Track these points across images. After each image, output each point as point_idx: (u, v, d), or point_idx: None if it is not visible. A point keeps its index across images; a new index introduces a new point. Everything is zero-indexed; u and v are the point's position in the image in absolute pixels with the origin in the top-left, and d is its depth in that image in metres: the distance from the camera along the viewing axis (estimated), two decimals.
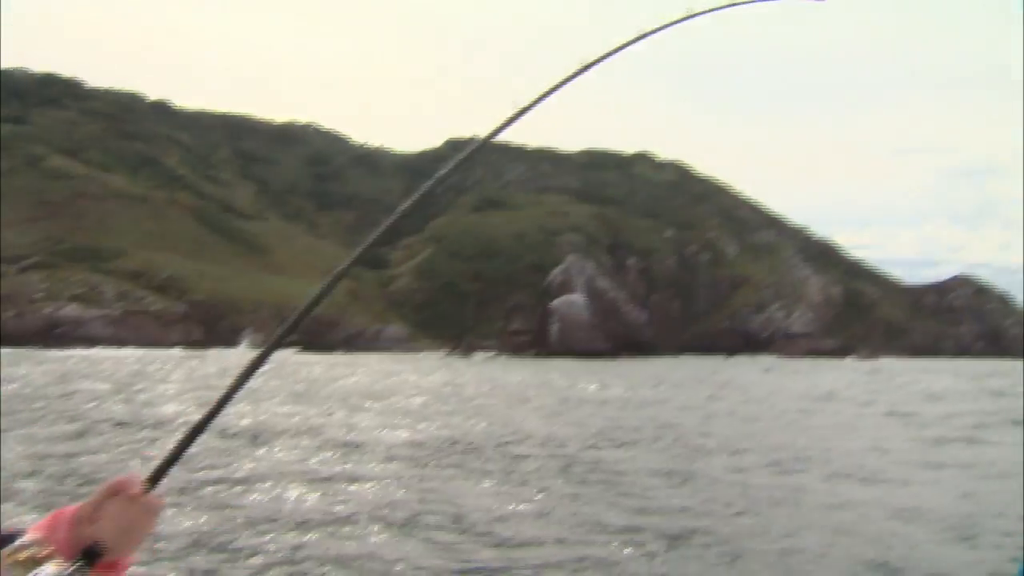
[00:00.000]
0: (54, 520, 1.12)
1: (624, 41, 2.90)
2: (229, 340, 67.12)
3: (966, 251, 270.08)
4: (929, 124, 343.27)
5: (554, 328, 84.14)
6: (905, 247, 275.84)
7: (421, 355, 72.94)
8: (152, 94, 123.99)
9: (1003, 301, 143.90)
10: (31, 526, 1.10)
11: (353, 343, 76.45)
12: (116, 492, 1.12)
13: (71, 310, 60.25)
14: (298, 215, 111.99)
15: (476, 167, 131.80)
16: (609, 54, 2.61)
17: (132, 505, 1.11)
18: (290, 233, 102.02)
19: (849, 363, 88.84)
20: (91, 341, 55.84)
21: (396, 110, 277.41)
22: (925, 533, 9.80)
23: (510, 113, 2.03)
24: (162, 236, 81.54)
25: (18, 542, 1.07)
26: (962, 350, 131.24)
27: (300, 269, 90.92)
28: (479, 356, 76.14)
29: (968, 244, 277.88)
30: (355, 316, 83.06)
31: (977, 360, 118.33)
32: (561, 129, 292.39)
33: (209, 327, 68.23)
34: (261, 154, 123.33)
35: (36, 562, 1.04)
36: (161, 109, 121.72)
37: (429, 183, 2.23)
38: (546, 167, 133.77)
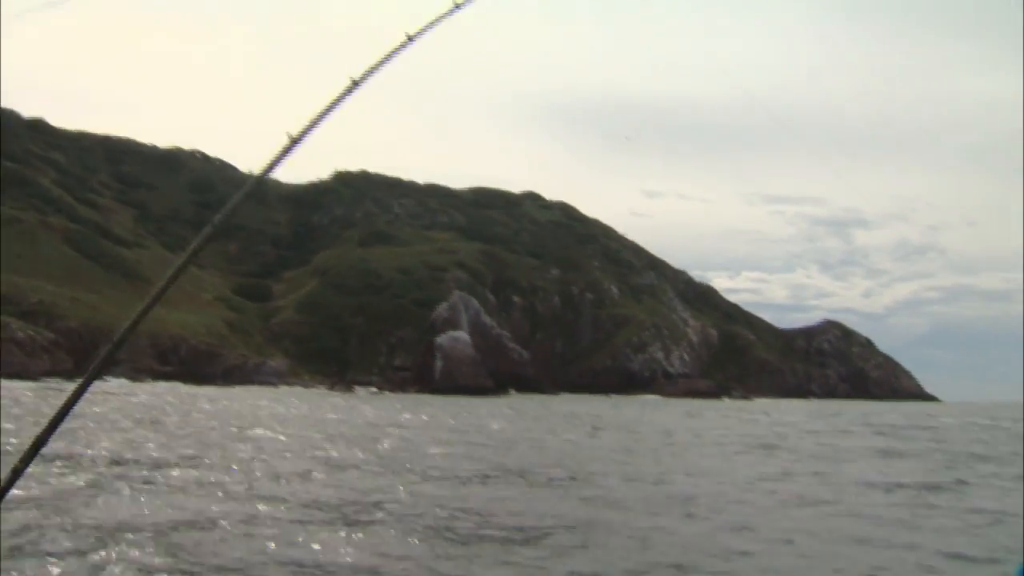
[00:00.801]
0: None
1: (392, 48, 3.33)
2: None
3: (833, 298, 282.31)
4: (800, 175, 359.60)
5: (438, 364, 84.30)
6: (777, 292, 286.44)
7: (298, 389, 71.93)
8: (27, 112, 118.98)
9: (866, 345, 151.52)
10: None
11: (232, 376, 74.85)
12: None
13: None
14: (180, 243, 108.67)
15: (365, 201, 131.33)
16: (379, 64, 3.06)
17: None
18: (170, 262, 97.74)
19: (724, 403, 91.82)
20: None
21: (282, 138, 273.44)
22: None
23: (285, 143, 2.43)
24: (32, 260, 78.25)
25: None
26: (829, 391, 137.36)
27: (179, 299, 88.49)
28: (361, 391, 75.63)
29: (835, 291, 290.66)
30: (235, 348, 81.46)
31: (841, 401, 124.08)
32: (449, 165, 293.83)
33: (80, 357, 65.67)
34: (142, 179, 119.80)
35: None
36: (37, 128, 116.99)
37: (219, 216, 2.69)
38: (434, 203, 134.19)
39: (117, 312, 75.11)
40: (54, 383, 50.74)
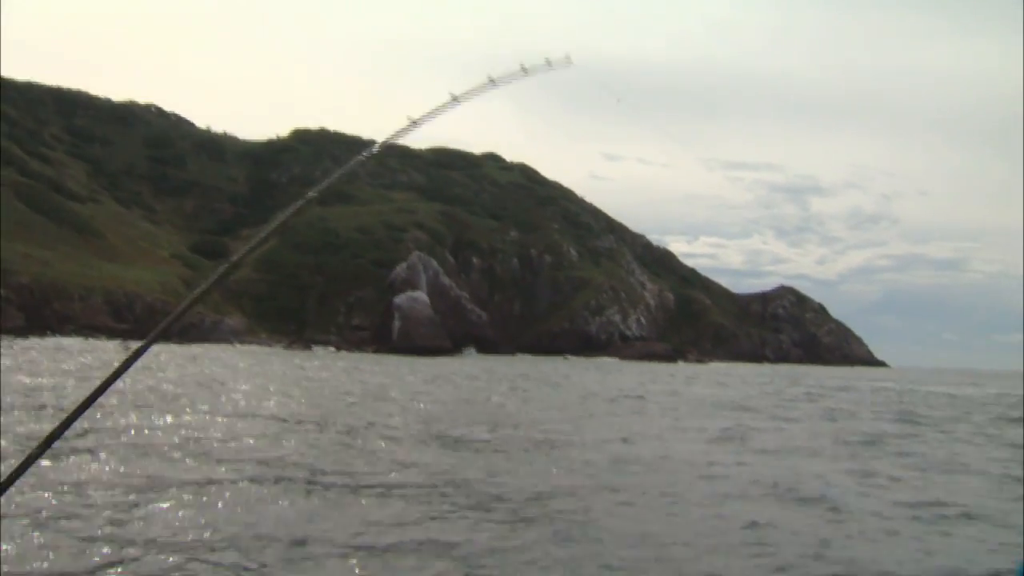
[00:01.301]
0: None
1: (399, 129, 3.81)
2: (56, 328, 64.27)
3: (789, 264, 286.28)
4: (759, 142, 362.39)
5: (396, 324, 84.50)
6: (734, 258, 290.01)
7: (257, 347, 71.81)
8: None
9: (819, 311, 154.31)
10: None
11: (188, 334, 74.30)
12: None
13: None
14: (135, 199, 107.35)
15: (324, 159, 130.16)
16: (396, 136, 3.45)
17: None
18: (126, 218, 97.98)
19: (680, 367, 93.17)
20: None
21: (243, 97, 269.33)
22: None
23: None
24: None
25: None
26: (782, 356, 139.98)
27: (135, 256, 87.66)
28: (319, 350, 75.69)
29: (790, 257, 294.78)
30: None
31: (794, 365, 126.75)
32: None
33: (31, 313, 64.96)
34: (96, 133, 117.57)
35: None
36: None
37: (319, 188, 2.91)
38: (393, 162, 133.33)
39: (70, 268, 74.31)
40: (6, 340, 50.23)
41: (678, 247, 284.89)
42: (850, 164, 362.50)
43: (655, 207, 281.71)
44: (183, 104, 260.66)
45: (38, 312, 65.70)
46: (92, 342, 57.31)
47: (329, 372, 38.89)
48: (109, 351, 43.34)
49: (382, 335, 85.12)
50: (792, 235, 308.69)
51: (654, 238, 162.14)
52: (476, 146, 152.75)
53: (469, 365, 57.93)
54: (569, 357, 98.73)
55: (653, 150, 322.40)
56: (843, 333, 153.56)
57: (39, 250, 75.57)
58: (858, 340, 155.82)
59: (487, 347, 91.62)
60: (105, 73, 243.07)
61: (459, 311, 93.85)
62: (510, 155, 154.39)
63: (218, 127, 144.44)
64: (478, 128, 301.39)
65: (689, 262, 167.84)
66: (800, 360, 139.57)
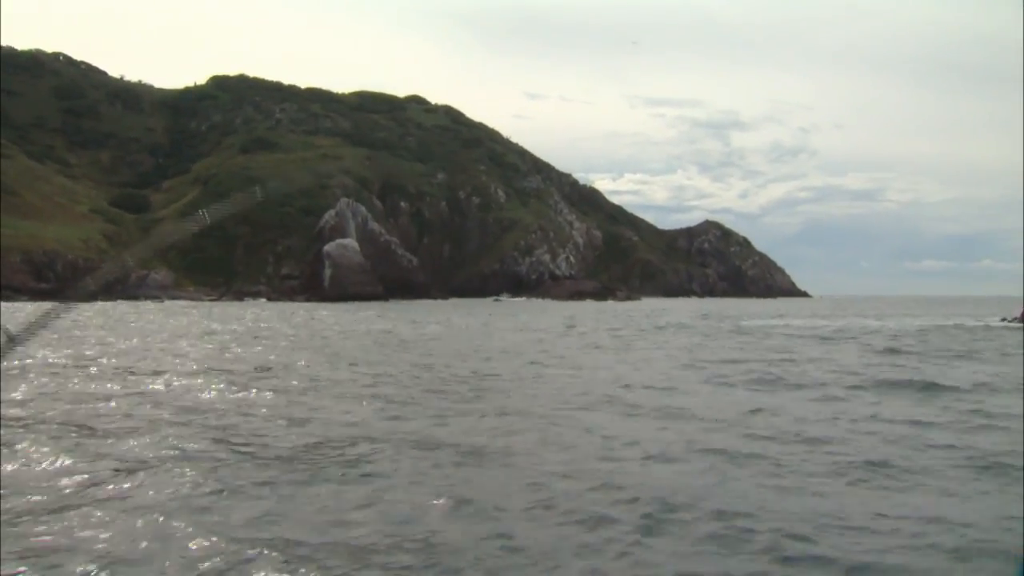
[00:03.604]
0: None
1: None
2: None
3: (712, 198, 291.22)
4: (681, 78, 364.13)
5: (327, 273, 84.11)
6: (659, 194, 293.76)
7: (187, 302, 70.96)
8: None
9: (744, 245, 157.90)
10: None
11: (113, 290, 73.05)
12: None
13: None
14: (47, 153, 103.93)
15: (244, 106, 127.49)
16: None
17: None
18: (39, 173, 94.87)
19: (608, 304, 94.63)
20: None
21: (157, 43, 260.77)
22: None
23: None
24: None
25: None
26: (708, 290, 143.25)
27: (52, 211, 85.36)
28: (249, 301, 75.13)
29: (714, 192, 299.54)
30: (114, 261, 79.28)
31: (718, 299, 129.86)
32: (332, 70, 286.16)
33: None
34: (1, 84, 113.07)
35: None
36: None
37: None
38: (317, 108, 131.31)
39: None
40: None
41: (603, 185, 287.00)
42: (769, 99, 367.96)
43: (579, 145, 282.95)
44: (93, 53, 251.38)
45: None
46: (17, 304, 56.00)
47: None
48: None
49: (313, 284, 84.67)
50: (715, 170, 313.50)
51: (580, 176, 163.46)
52: (399, 89, 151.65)
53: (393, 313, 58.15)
54: (502, 299, 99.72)
55: (575, 87, 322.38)
56: (767, 265, 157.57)
57: None
58: (781, 271, 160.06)
59: (417, 292, 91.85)
60: (9, 20, 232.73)
61: (389, 257, 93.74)
62: (434, 97, 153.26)
63: (132, 76, 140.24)
64: (400, 70, 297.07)
65: (615, 199, 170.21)
66: (726, 293, 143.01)
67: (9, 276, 67.12)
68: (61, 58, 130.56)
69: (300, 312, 51.61)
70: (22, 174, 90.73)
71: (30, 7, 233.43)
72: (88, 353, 19.75)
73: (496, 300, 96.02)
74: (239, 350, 21.83)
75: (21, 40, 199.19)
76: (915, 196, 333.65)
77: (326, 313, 44.58)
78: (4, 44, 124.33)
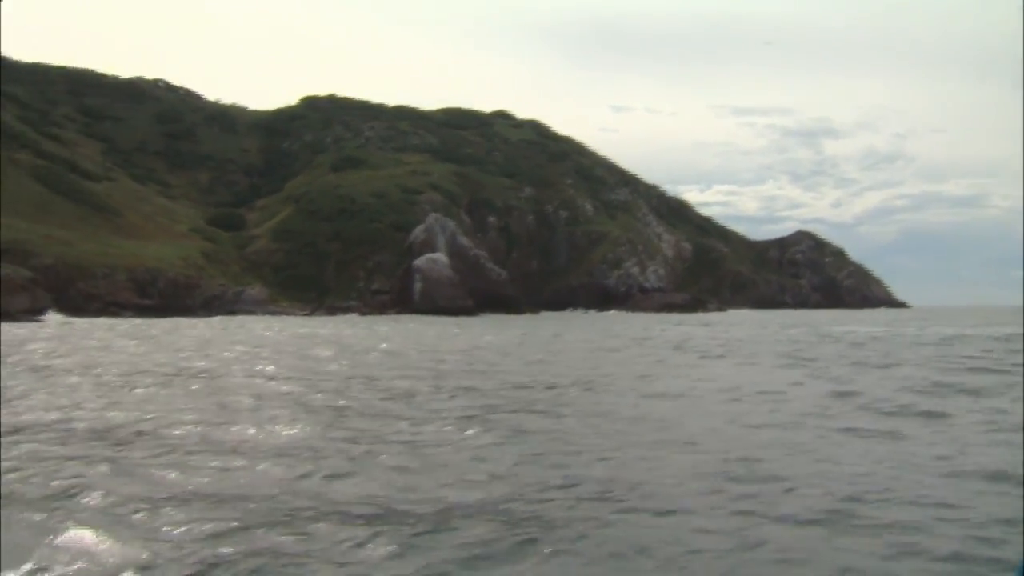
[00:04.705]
0: None
1: None
2: (81, 307, 64.95)
3: (804, 208, 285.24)
4: (769, 86, 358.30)
5: (417, 287, 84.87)
6: (748, 204, 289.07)
7: (283, 317, 72.37)
8: None
9: (838, 255, 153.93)
10: None
11: (211, 306, 75.10)
12: None
13: None
14: (149, 175, 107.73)
15: (334, 126, 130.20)
16: None
17: None
18: (141, 194, 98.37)
19: (697, 315, 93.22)
20: None
21: (250, 67, 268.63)
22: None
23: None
24: (1, 198, 77.38)
25: None
26: (802, 301, 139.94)
27: (153, 232, 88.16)
28: (342, 317, 76.19)
29: (806, 202, 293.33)
30: (213, 278, 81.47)
31: (812, 310, 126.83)
32: (419, 87, 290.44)
33: (58, 293, 65.62)
34: (107, 111, 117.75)
35: None
36: None
37: None
38: (405, 125, 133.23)
39: (91, 247, 74.91)
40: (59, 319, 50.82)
41: (692, 196, 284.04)
42: (862, 105, 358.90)
43: (666, 156, 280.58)
44: (191, 78, 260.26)
45: (63, 291, 66.38)
46: (121, 320, 57.93)
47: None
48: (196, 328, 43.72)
49: (403, 298, 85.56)
50: (807, 179, 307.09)
51: (667, 188, 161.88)
52: (485, 105, 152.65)
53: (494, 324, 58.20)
54: (590, 311, 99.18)
55: (661, 99, 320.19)
56: (862, 275, 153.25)
57: (60, 231, 76.18)
58: (877, 282, 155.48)
59: (507, 305, 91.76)
60: (112, 50, 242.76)
61: (478, 270, 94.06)
62: (520, 112, 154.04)
63: (227, 99, 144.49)
64: (486, 87, 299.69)
65: (704, 211, 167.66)
66: (819, 304, 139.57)
67: (115, 293, 69.55)
68: (161, 84, 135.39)
69: (435, 327, 51.74)
70: (126, 196, 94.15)
71: (129, 38, 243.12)
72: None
73: (584, 312, 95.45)
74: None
75: (124, 69, 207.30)
76: (1019, 202, 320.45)
77: (457, 331, 43.97)
78: (109, 73, 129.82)
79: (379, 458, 8.59)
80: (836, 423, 11.17)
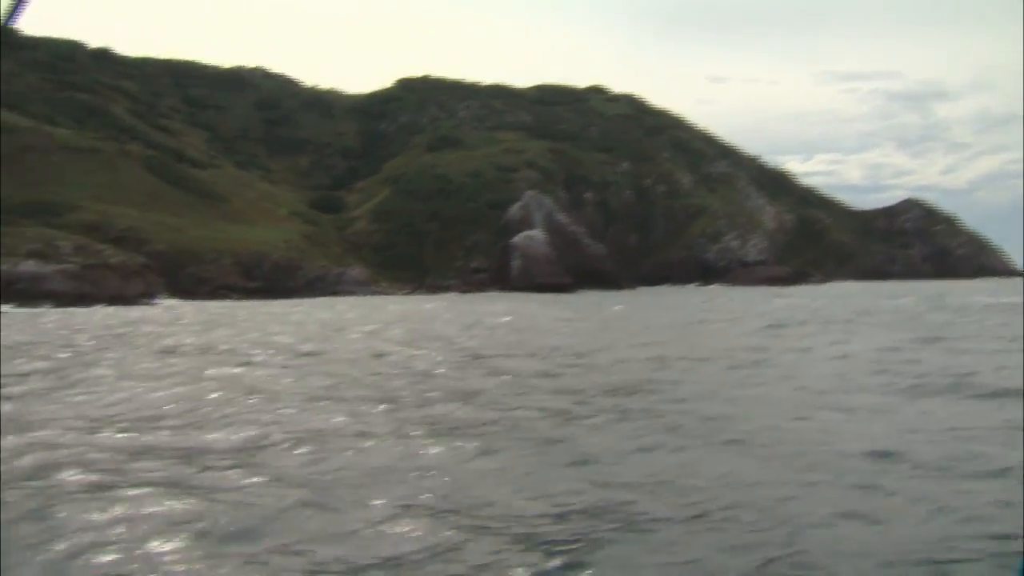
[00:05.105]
0: None
1: None
2: (191, 290, 66.96)
3: (912, 176, 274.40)
4: (872, 50, 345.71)
5: (515, 264, 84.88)
6: (852, 173, 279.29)
7: (383, 297, 73.28)
8: (92, 42, 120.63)
9: (950, 223, 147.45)
10: None
11: (315, 287, 76.57)
12: None
13: (29, 266, 59.45)
14: (251, 161, 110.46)
15: (430, 106, 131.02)
16: None
17: None
18: (245, 180, 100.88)
19: (800, 288, 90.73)
20: (52, 296, 55.33)
21: (345, 52, 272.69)
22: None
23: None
24: (115, 188, 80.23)
25: None
26: (911, 272, 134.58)
27: (257, 216, 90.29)
28: (442, 296, 76.73)
29: (914, 169, 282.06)
30: (315, 260, 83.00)
31: (924, 281, 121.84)
32: (512, 65, 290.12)
33: (170, 278, 67.88)
34: (210, 100, 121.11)
35: None
36: (103, 57, 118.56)
37: None
38: (498, 104, 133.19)
39: (200, 233, 77.22)
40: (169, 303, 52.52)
41: (793, 166, 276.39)
42: (975, 65, 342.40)
43: (765, 127, 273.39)
44: (289, 65, 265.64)
45: (175, 276, 68.59)
46: (229, 302, 59.46)
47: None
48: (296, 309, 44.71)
49: (501, 276, 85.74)
50: (915, 145, 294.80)
51: (768, 159, 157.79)
52: (580, 80, 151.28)
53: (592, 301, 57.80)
54: (689, 286, 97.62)
55: (759, 68, 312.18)
56: (977, 244, 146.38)
57: (170, 217, 78.75)
58: (993, 251, 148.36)
59: (605, 281, 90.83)
60: (212, 41, 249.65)
61: (576, 247, 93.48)
62: (615, 86, 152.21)
63: (324, 84, 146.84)
64: (580, 62, 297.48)
65: (806, 181, 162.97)
66: (930, 275, 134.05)
67: (223, 276, 71.58)
68: (259, 72, 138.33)
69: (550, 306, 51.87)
70: (230, 182, 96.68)
71: (229, 28, 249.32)
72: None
73: (683, 287, 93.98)
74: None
75: (225, 58, 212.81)
76: None
77: (622, 307, 43.07)
78: (209, 63, 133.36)
79: None
80: None
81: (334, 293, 75.14)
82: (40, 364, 16.10)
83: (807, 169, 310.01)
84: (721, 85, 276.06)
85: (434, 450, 7.99)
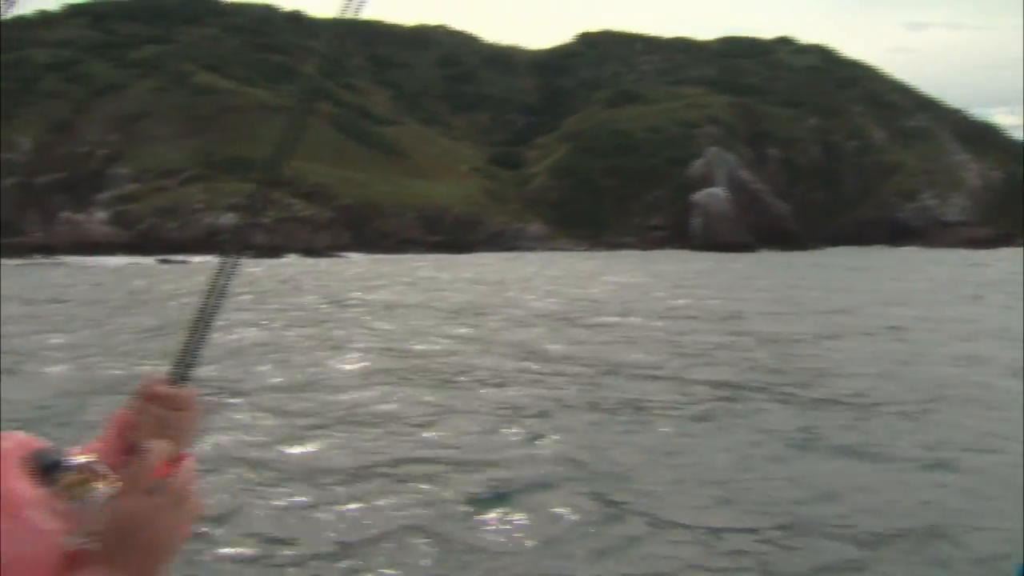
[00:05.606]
0: (107, 435, 1.10)
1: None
2: (376, 243, 68.98)
3: None
4: None
5: (696, 222, 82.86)
6: None
7: (562, 254, 73.11)
8: (286, 4, 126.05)
9: None
10: (77, 448, 1.06)
11: (494, 242, 77.41)
12: (147, 395, 1.10)
13: (229, 219, 62.84)
14: (433, 118, 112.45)
15: (610, 61, 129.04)
16: None
17: (165, 404, 1.08)
18: (427, 136, 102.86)
19: (1005, 252, 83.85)
20: (248, 248, 58.24)
21: (526, 5, 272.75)
22: None
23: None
24: (304, 145, 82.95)
25: (77, 462, 1.02)
26: None
27: (438, 172, 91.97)
28: (621, 253, 75.83)
29: None
30: (494, 216, 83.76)
31: None
32: (696, 16, 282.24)
33: (356, 231, 70.28)
34: (394, 59, 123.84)
35: (87, 484, 1.00)
36: (295, 19, 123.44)
37: None
38: (681, 57, 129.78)
39: (384, 188, 79.44)
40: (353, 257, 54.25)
41: (1002, 119, 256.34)
42: None
43: (971, 76, 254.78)
44: (470, 22, 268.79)
45: (360, 229, 70.91)
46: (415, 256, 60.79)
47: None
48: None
49: (679, 233, 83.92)
50: None
51: (973, 112, 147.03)
52: (766, 31, 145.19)
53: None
54: (882, 247, 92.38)
55: (965, 12, 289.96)
56: None
57: (356, 173, 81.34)
58: None
59: (789, 241, 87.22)
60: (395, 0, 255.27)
61: (759, 205, 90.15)
62: (804, 37, 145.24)
63: (505, 40, 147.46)
64: (766, 11, 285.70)
65: (1017, 135, 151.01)
66: None
67: (407, 231, 73.53)
68: (441, 30, 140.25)
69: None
70: (413, 139, 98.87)
71: None
72: None
73: (875, 249, 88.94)
74: None
75: (408, 16, 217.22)
76: None
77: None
78: (392, 22, 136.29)
79: None
80: None
81: (513, 248, 75.72)
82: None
83: (1018, 122, 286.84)
84: (920, 32, 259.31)
85: None
